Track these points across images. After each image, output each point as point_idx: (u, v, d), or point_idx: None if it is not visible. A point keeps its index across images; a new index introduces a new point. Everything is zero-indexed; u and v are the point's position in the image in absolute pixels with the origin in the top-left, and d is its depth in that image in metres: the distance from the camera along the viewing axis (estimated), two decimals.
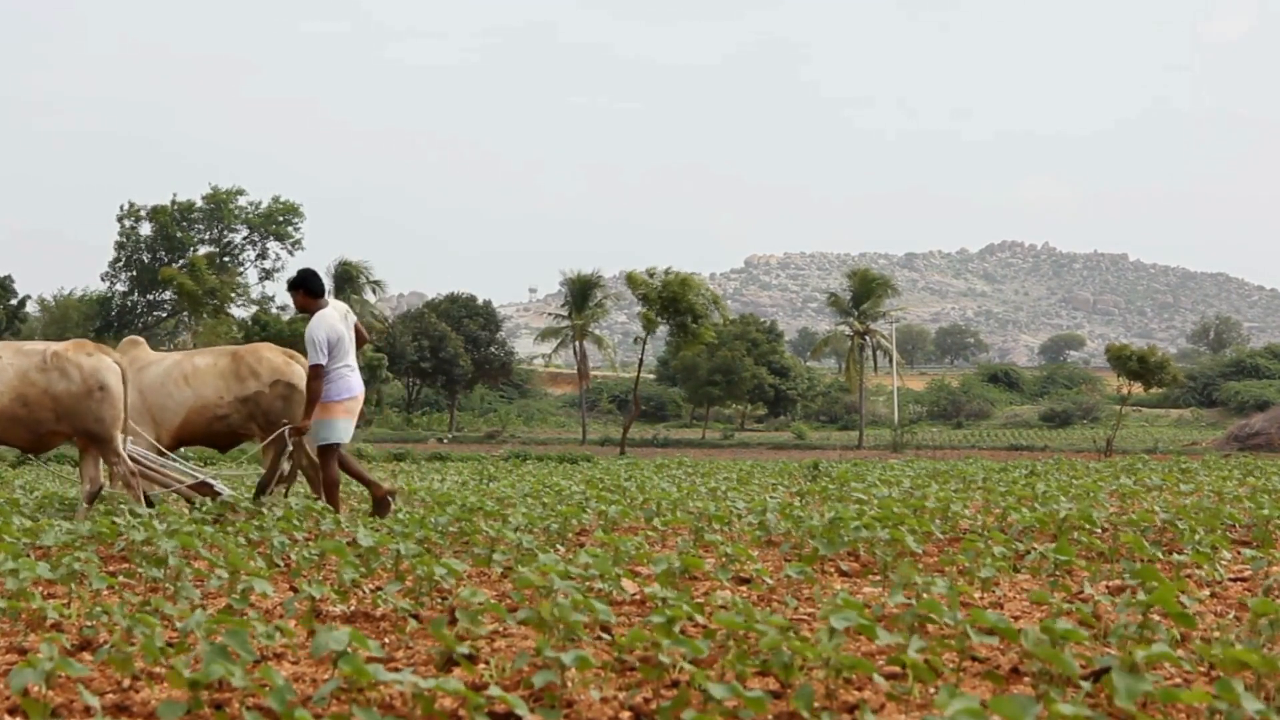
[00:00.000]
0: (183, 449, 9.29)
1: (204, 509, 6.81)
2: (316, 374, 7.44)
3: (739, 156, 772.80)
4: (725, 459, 31.40)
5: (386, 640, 3.65)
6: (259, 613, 3.78)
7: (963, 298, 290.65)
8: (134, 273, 67.22)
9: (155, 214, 66.75)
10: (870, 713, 2.74)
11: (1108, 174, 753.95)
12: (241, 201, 68.32)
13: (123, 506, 7.44)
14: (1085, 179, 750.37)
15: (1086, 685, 2.80)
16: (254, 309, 62.29)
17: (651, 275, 53.16)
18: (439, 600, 4.26)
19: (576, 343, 66.87)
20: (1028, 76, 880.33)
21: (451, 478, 14.98)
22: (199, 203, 67.90)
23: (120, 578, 4.67)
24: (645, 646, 3.16)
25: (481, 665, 3.24)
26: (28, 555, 4.82)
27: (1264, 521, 6.31)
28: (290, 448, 7.98)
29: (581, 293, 66.22)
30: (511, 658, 3.29)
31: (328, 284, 63.83)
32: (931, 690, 2.93)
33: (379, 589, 4.37)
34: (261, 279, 68.68)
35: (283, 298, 61.59)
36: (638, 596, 4.29)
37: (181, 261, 62.66)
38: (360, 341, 7.81)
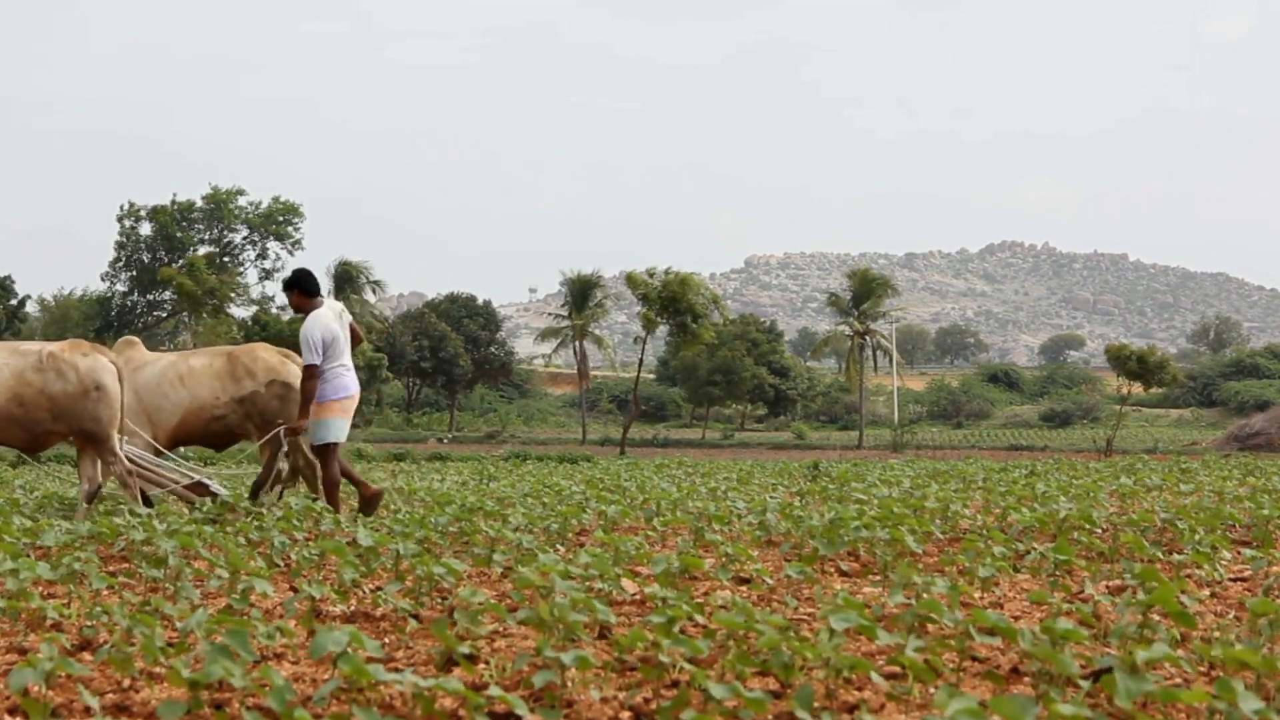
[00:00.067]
0: (182, 449, 9.29)
1: (204, 509, 6.81)
2: (311, 374, 7.46)
3: (739, 156, 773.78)
4: (725, 459, 31.40)
5: (386, 640, 3.65)
6: (260, 612, 3.78)
7: (963, 298, 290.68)
8: (134, 273, 67.24)
9: (155, 214, 66.77)
10: (870, 713, 2.75)
11: (1108, 174, 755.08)
12: (241, 201, 68.38)
13: (122, 506, 7.45)
14: (1085, 179, 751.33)
15: (1086, 685, 2.80)
16: (254, 309, 62.28)
17: (651, 275, 53.15)
18: (439, 600, 4.26)
19: (576, 343, 66.86)
20: (1028, 76, 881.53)
21: (451, 478, 14.98)
22: (199, 203, 67.93)
23: (120, 578, 4.66)
24: (645, 646, 3.16)
25: (481, 665, 3.24)
26: (28, 555, 4.82)
27: (1264, 521, 6.31)
28: (286, 448, 7.99)
29: (581, 293, 66.22)
30: (511, 658, 3.29)
31: (328, 284, 63.18)
32: (931, 690, 2.93)
33: (379, 589, 4.37)
34: (261, 279, 68.73)
35: (283, 298, 61.46)
36: (638, 596, 4.28)
37: (181, 262, 62.65)
38: (355, 341, 7.83)
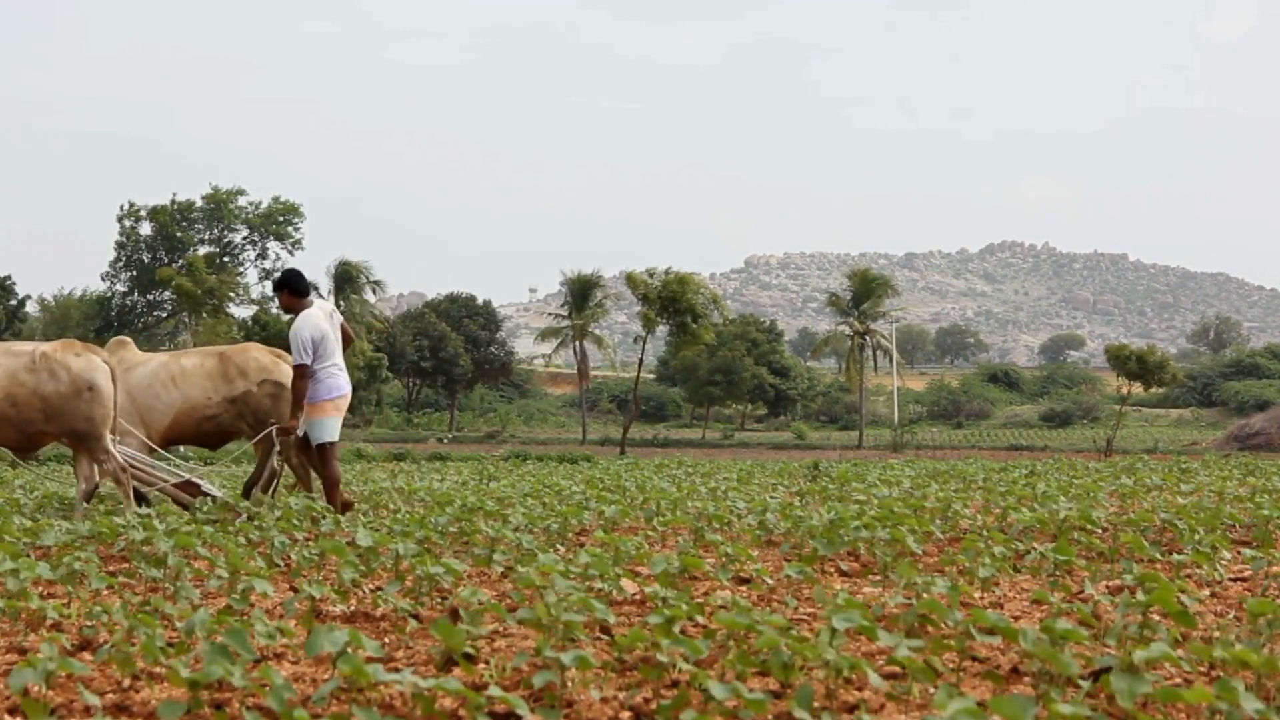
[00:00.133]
0: (182, 448, 9.30)
1: (204, 509, 6.82)
2: (301, 374, 7.47)
3: (739, 156, 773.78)
4: (725, 459, 31.39)
5: (386, 640, 3.65)
6: (260, 611, 3.78)
7: (963, 298, 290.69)
8: (134, 273, 67.21)
9: (155, 214, 66.74)
10: (870, 713, 2.75)
11: (1108, 174, 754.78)
12: (241, 201, 68.33)
13: (122, 506, 7.46)
14: (1085, 179, 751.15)
15: (1086, 685, 2.80)
16: (254, 309, 62.26)
17: (651, 275, 53.12)
18: (439, 600, 4.26)
19: (576, 343, 66.84)
20: (1028, 76, 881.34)
21: (451, 478, 14.97)
22: (199, 203, 67.88)
23: (120, 578, 4.67)
24: (645, 646, 3.16)
25: (481, 665, 3.24)
26: (28, 555, 4.82)
27: (1264, 521, 6.31)
28: (278, 447, 8.00)
29: (581, 293, 66.21)
30: (511, 658, 3.29)
31: (328, 284, 62.76)
32: (931, 690, 2.93)
33: (379, 589, 4.37)
34: (262, 279, 68.66)
35: None
36: (638, 596, 4.29)
37: (181, 262, 62.64)
38: (347, 342, 7.83)
